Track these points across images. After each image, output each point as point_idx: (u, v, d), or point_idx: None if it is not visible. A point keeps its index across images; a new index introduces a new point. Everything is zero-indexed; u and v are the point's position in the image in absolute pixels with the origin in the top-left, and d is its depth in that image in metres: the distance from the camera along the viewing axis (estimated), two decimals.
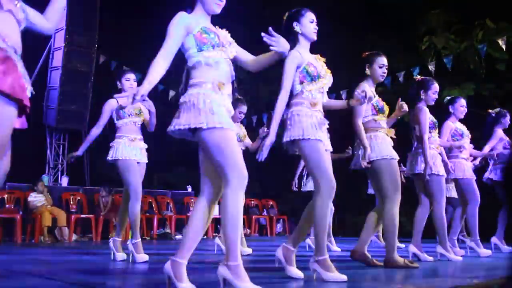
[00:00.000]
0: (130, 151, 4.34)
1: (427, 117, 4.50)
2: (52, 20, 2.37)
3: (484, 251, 5.14)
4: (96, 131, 4.38)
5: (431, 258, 4.46)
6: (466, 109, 5.21)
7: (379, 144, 3.87)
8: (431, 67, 8.60)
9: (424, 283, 3.25)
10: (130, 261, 4.23)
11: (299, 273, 3.15)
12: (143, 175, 4.52)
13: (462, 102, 5.23)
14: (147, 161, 4.53)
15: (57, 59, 9.42)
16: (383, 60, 4.03)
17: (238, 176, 2.41)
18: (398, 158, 3.92)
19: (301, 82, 3.17)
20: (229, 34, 2.73)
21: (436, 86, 4.63)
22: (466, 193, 5.17)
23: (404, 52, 9.91)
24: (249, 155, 5.72)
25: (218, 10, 2.63)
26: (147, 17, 11.40)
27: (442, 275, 3.74)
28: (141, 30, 11.20)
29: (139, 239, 4.30)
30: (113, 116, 4.44)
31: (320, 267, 3.04)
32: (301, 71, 3.17)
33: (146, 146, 4.52)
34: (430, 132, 4.52)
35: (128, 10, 11.13)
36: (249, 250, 5.20)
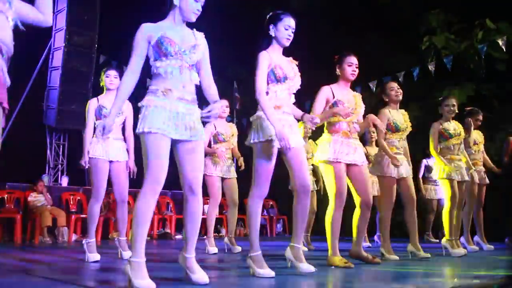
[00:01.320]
0: (101, 150, 4.36)
1: (385, 119, 4.63)
2: (45, 12, 2.35)
3: (458, 251, 5.04)
4: (89, 134, 4.43)
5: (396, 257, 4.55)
6: (453, 109, 5.21)
7: (326, 147, 3.92)
8: (431, 67, 8.60)
9: (424, 283, 3.25)
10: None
11: (310, 268, 3.25)
12: (122, 172, 4.50)
13: (449, 101, 5.24)
14: (126, 159, 4.52)
15: (57, 59, 9.41)
16: (351, 59, 4.06)
17: (152, 182, 2.61)
18: (345, 161, 3.90)
19: (267, 83, 3.30)
20: (202, 36, 2.86)
21: (390, 84, 4.79)
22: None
23: (404, 52, 9.90)
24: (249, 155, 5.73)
25: (194, 19, 2.81)
26: (147, 17, 11.40)
27: (442, 275, 3.74)
28: None
29: (93, 239, 4.35)
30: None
31: (253, 262, 3.22)
32: (268, 72, 3.30)
33: (123, 145, 4.52)
34: (385, 133, 4.65)
35: (128, 10, 11.12)
36: (215, 250, 5.30)
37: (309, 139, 6.25)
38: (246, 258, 3.31)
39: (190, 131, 2.72)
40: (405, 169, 4.68)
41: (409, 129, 4.77)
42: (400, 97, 4.74)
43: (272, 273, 3.15)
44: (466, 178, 5.25)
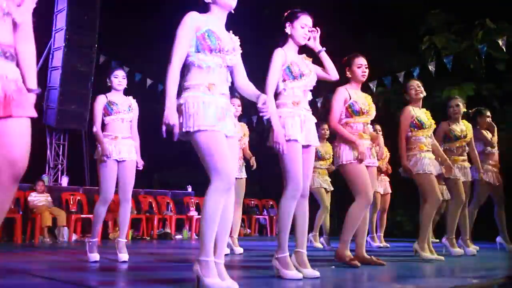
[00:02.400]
0: (111, 150, 4.27)
1: (408, 117, 4.61)
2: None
3: (457, 250, 5.08)
4: (100, 129, 4.35)
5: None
6: (457, 109, 5.17)
7: (344, 149, 3.94)
8: (431, 67, 8.60)
9: (424, 283, 3.25)
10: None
11: (315, 273, 3.18)
12: (129, 171, 4.39)
13: (452, 102, 5.23)
14: (135, 158, 4.41)
15: (57, 59, 9.40)
16: (360, 60, 4.11)
17: (222, 179, 2.48)
18: (366, 163, 3.93)
19: (284, 80, 3.29)
20: (238, 42, 2.79)
21: (410, 83, 4.79)
22: (451, 192, 5.15)
23: (404, 52, 9.90)
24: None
25: (234, 3, 2.71)
26: (147, 17, 11.41)
27: (442, 275, 3.74)
28: (141, 30, 11.19)
29: (96, 239, 4.34)
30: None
31: (279, 264, 3.14)
32: (284, 69, 3.28)
33: (133, 143, 4.42)
34: (411, 131, 4.61)
35: (128, 10, 11.13)
36: (240, 250, 5.29)
37: (326, 140, 6.28)
38: (272, 259, 3.21)
39: (234, 127, 2.66)
40: (436, 168, 4.63)
41: (434, 126, 4.76)
42: (421, 95, 4.70)
43: (299, 275, 3.09)
44: (470, 178, 5.26)
